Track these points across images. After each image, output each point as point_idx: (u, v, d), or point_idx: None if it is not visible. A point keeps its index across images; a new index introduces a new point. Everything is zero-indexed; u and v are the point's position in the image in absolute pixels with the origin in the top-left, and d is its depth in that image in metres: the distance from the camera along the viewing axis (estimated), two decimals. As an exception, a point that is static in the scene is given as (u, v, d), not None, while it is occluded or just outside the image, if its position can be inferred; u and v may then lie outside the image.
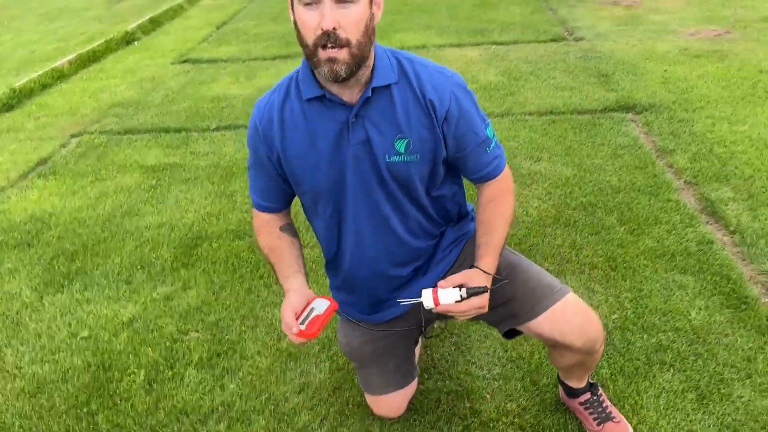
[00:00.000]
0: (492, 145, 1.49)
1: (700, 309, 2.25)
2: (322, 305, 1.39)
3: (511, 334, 1.65)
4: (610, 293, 2.37)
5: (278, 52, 5.96)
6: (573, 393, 1.83)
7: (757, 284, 2.36)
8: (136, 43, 6.80)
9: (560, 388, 1.90)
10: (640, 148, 3.45)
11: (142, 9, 8.23)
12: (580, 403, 1.83)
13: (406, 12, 7.01)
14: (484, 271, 1.42)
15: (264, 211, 1.59)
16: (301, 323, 1.34)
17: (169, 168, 3.76)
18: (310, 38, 1.25)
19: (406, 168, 1.42)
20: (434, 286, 1.40)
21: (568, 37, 5.65)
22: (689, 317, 2.22)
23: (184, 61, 5.94)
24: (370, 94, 1.35)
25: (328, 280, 1.75)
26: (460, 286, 1.38)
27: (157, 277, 2.74)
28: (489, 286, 1.42)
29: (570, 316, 1.53)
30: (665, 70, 4.55)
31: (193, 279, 2.70)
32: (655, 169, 3.21)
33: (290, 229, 1.60)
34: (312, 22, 1.23)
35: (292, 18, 1.30)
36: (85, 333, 2.44)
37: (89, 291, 2.69)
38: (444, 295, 1.37)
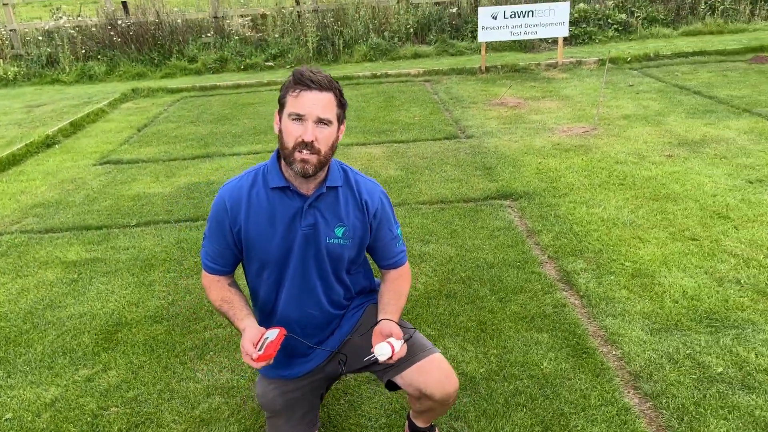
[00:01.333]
0: (400, 242, 2.05)
1: (551, 359, 2.71)
2: (273, 333, 1.76)
3: (391, 386, 2.05)
4: (480, 351, 2.81)
5: (197, 152, 6.36)
6: (415, 430, 2.24)
7: (597, 337, 2.86)
8: (57, 146, 7.06)
9: (407, 424, 2.29)
10: (513, 229, 4.02)
11: (62, 113, 8.51)
12: None
13: (318, 114, 7.63)
14: (396, 323, 1.87)
15: (214, 274, 1.96)
16: (259, 350, 1.70)
17: (91, 263, 4.01)
18: (290, 143, 1.72)
19: (340, 249, 1.91)
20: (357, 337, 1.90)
21: (461, 134, 6.38)
22: (542, 366, 2.67)
23: (106, 163, 6.25)
24: (324, 191, 1.85)
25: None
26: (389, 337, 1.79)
27: (79, 362, 2.97)
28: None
29: (434, 371, 1.96)
30: (540, 163, 5.26)
31: (114, 361, 2.95)
32: (524, 246, 3.77)
33: (236, 285, 2.00)
34: (295, 132, 1.71)
35: (277, 127, 1.79)
36: (9, 415, 2.63)
37: (12, 378, 2.88)
38: (397, 345, 1.77)
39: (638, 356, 2.69)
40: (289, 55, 11.39)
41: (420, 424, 2.21)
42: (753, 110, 6.43)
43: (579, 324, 2.95)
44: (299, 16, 11.99)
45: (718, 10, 11.74)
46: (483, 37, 9.36)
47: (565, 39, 11.58)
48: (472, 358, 2.76)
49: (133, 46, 11.59)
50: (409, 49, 11.41)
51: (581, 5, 11.75)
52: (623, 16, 11.64)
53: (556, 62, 9.64)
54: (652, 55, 9.61)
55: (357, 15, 11.73)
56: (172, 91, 9.58)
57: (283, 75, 10.30)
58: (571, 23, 11.41)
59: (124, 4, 11.82)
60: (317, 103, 1.70)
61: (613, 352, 2.75)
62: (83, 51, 11.63)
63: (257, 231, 1.84)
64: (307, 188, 1.84)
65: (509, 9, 9.37)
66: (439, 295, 3.29)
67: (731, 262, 3.39)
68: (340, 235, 1.87)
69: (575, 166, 5.12)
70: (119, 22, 11.61)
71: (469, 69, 9.66)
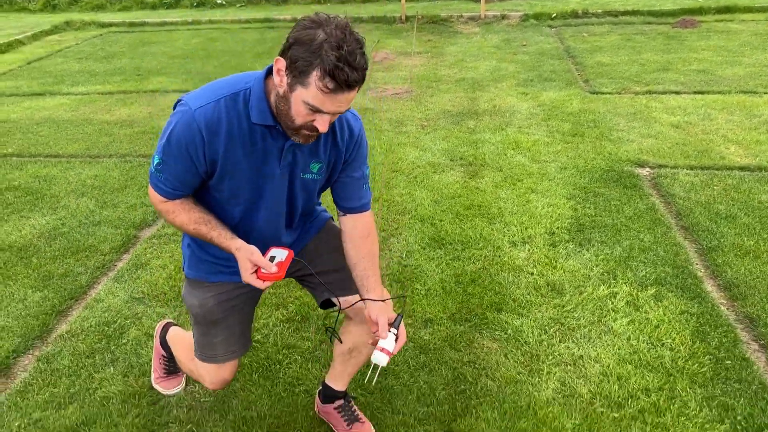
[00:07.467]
0: (368, 184, 1.86)
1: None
2: (281, 253, 1.68)
3: (326, 304, 1.96)
4: None
5: (37, 89, 6.69)
6: (331, 397, 2.16)
7: None
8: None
9: (317, 400, 2.24)
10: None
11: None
12: (335, 408, 2.16)
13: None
14: (382, 300, 1.75)
15: (176, 198, 1.71)
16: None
17: None
18: (299, 122, 1.51)
19: (314, 184, 1.78)
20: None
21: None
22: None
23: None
24: None
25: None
26: (389, 326, 1.68)
27: None
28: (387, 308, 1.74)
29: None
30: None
31: None
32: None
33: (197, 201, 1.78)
34: (309, 118, 1.50)
35: (282, 87, 1.50)
36: None
37: None
38: (389, 344, 1.61)
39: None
40: (243, -7, 11.51)
41: (338, 387, 2.15)
42: (586, 81, 6.09)
43: None
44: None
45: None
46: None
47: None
48: None
49: (98, -22, 12.05)
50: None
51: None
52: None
53: (479, 15, 9.28)
54: (580, 12, 9.06)
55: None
56: (102, 26, 9.99)
57: (233, 14, 10.46)
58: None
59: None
60: (345, 102, 1.48)
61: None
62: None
63: (234, 164, 1.64)
64: None
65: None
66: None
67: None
68: (315, 171, 1.74)
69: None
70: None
71: (390, 18, 9.48)
